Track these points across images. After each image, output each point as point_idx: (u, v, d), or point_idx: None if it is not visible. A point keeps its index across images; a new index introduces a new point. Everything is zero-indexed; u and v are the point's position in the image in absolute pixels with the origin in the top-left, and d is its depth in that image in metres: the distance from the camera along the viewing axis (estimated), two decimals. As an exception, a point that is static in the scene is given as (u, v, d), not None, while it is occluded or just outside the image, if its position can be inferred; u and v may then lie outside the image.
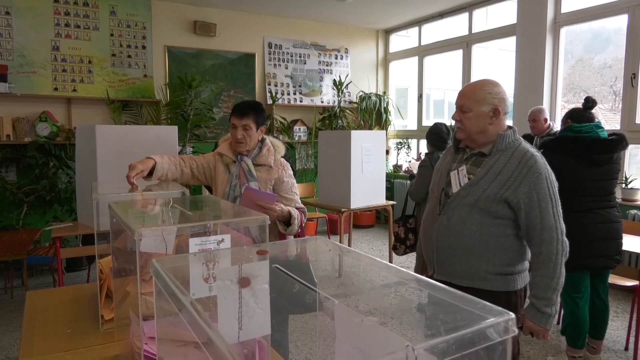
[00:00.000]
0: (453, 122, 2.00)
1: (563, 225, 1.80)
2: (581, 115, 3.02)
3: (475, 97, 1.85)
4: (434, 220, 1.97)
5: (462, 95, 1.91)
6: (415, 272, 2.45)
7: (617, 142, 2.84)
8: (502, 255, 1.83)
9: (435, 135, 3.83)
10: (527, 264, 1.91)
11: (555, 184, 1.83)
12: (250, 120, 2.30)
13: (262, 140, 2.44)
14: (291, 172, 2.46)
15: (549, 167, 1.84)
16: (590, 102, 3.04)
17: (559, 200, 1.82)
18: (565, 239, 1.80)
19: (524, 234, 1.83)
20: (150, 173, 2.15)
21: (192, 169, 2.36)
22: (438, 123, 3.91)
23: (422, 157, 5.74)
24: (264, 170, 2.37)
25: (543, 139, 3.98)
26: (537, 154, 1.85)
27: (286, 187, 2.39)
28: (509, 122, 1.96)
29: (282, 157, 2.45)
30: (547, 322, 1.79)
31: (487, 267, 1.83)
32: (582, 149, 2.83)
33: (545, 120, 4.38)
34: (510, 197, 1.78)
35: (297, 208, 2.35)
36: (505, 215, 1.81)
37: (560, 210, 1.81)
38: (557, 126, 4.35)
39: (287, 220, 2.24)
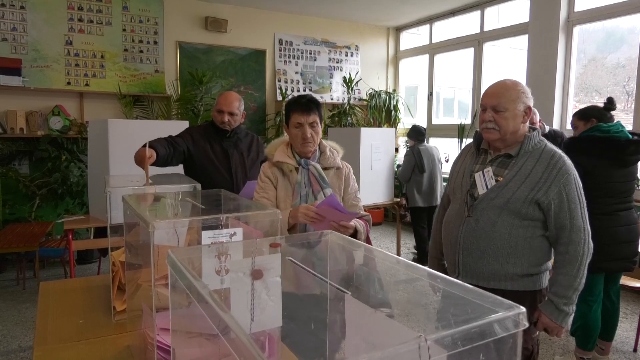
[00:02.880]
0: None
1: (589, 227, 1.82)
2: (606, 116, 2.93)
3: (511, 97, 1.83)
4: (459, 222, 1.95)
5: (494, 95, 1.86)
6: None
7: None
8: (530, 256, 1.84)
9: (417, 132, 5.32)
10: (550, 263, 1.93)
11: (581, 185, 1.84)
12: (317, 116, 2.05)
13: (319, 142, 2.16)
14: (354, 176, 2.22)
15: (574, 169, 1.85)
16: (613, 104, 2.96)
17: (585, 202, 1.83)
18: (591, 240, 1.81)
19: (552, 234, 1.84)
20: None
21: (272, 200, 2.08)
22: (415, 124, 5.53)
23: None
24: (332, 174, 2.11)
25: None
26: (564, 155, 1.86)
27: (352, 192, 2.15)
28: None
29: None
30: (563, 320, 1.80)
31: (515, 269, 1.84)
32: (615, 150, 2.76)
33: (540, 120, 4.39)
34: (542, 198, 1.79)
35: (361, 217, 2.08)
36: (535, 216, 1.82)
37: (587, 212, 1.83)
38: (562, 126, 4.31)
39: (353, 235, 1.94)
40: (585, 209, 1.82)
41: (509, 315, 0.55)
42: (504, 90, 1.85)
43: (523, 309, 0.56)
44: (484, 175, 1.89)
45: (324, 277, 0.83)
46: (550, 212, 1.79)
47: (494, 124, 1.84)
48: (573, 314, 1.85)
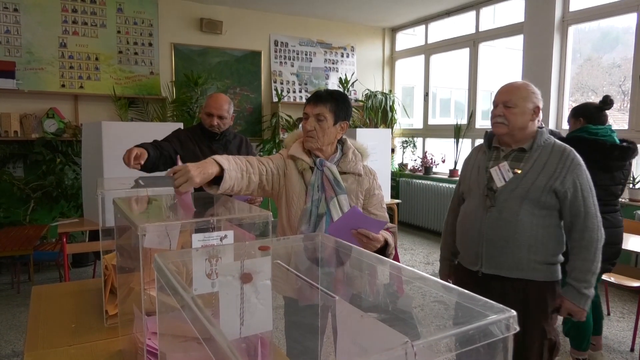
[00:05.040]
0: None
1: (600, 215, 1.94)
2: (596, 116, 2.90)
3: (521, 95, 1.97)
4: (481, 215, 2.03)
5: (506, 92, 2.00)
6: (441, 277, 2.44)
7: (632, 150, 2.80)
8: (549, 245, 1.95)
9: None
10: (561, 256, 2.02)
11: (590, 177, 1.96)
12: (326, 110, 1.85)
13: (343, 142, 1.99)
14: (380, 183, 2.05)
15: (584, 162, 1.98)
16: (608, 103, 2.91)
17: (595, 192, 1.96)
18: (602, 227, 1.94)
19: (567, 222, 1.95)
20: (216, 181, 1.61)
21: (261, 176, 1.83)
22: None
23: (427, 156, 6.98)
24: (352, 180, 1.92)
25: None
26: (573, 149, 1.99)
27: (376, 202, 1.98)
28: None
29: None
30: (585, 304, 1.92)
31: (536, 257, 1.93)
32: (599, 154, 2.75)
33: (540, 121, 4.45)
34: (559, 187, 1.90)
35: (387, 229, 1.86)
36: (552, 205, 1.93)
37: (597, 201, 1.95)
38: (557, 126, 4.33)
39: (383, 249, 1.74)
40: (596, 198, 1.94)
41: (500, 319, 0.54)
42: (515, 88, 1.99)
43: (514, 312, 0.55)
44: (500, 169, 1.99)
45: (313, 282, 0.82)
46: (566, 200, 1.91)
47: (504, 118, 1.97)
48: (593, 297, 1.93)
